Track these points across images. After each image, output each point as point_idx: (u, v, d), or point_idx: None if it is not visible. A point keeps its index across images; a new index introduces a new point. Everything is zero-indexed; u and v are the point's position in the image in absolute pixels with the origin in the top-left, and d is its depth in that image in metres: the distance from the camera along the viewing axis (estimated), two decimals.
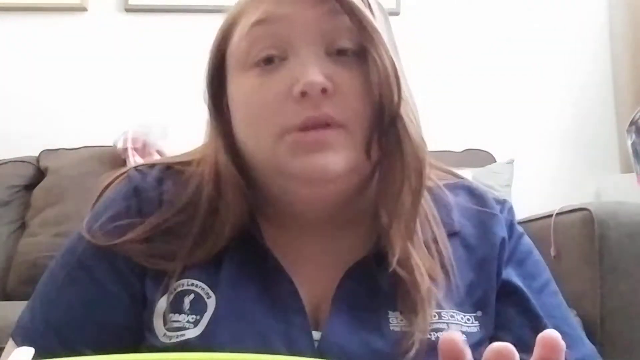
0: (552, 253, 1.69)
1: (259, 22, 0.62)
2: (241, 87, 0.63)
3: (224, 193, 0.64)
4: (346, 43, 0.62)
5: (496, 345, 0.42)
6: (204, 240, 0.64)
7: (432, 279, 0.64)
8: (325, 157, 0.60)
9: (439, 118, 2.10)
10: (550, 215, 1.75)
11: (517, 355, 0.42)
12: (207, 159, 0.67)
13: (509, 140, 2.41)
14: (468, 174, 2.06)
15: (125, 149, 2.09)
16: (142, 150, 2.11)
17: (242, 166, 0.65)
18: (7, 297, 1.90)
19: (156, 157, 2.07)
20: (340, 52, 0.62)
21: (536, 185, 2.36)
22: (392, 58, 0.61)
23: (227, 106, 0.66)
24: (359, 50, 0.62)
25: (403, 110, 0.61)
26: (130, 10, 2.43)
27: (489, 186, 2.07)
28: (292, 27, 0.61)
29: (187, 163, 0.70)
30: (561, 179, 2.44)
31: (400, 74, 0.61)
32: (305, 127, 0.60)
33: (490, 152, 2.33)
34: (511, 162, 2.25)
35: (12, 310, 1.38)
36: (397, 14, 2.43)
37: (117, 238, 0.64)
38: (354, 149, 0.61)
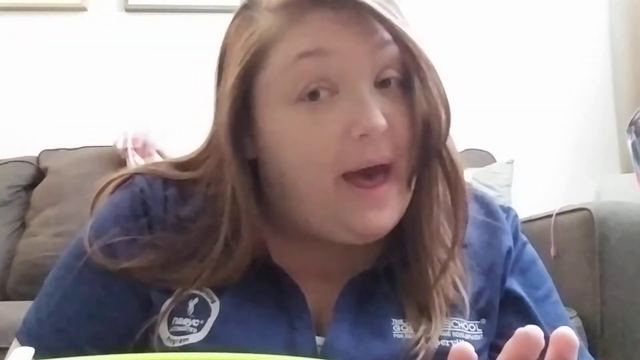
0: (552, 253, 1.69)
1: (308, 54, 0.58)
2: (286, 124, 0.60)
3: (243, 225, 0.61)
4: (392, 73, 0.60)
5: (523, 329, 0.42)
6: (219, 268, 0.62)
7: (438, 289, 0.64)
8: (384, 215, 0.60)
9: None
10: (550, 215, 1.75)
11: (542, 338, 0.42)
12: (218, 183, 0.63)
13: (509, 140, 2.41)
14: (468, 174, 2.06)
15: (125, 149, 2.09)
16: (142, 150, 2.11)
17: (259, 189, 0.63)
18: (7, 297, 1.91)
19: (156, 157, 2.07)
20: (385, 82, 0.60)
21: (536, 185, 2.36)
22: (443, 88, 0.59)
23: (250, 136, 0.62)
24: (403, 79, 0.61)
25: (449, 140, 0.61)
26: (130, 10, 2.43)
27: (489, 186, 2.07)
28: (344, 62, 0.58)
29: (193, 181, 0.66)
30: (561, 179, 2.44)
31: (450, 103, 0.60)
32: (365, 173, 0.59)
33: (490, 152, 2.33)
34: (511, 162, 2.25)
35: (12, 310, 1.38)
36: None
37: (124, 258, 0.62)
38: (403, 189, 0.61)
